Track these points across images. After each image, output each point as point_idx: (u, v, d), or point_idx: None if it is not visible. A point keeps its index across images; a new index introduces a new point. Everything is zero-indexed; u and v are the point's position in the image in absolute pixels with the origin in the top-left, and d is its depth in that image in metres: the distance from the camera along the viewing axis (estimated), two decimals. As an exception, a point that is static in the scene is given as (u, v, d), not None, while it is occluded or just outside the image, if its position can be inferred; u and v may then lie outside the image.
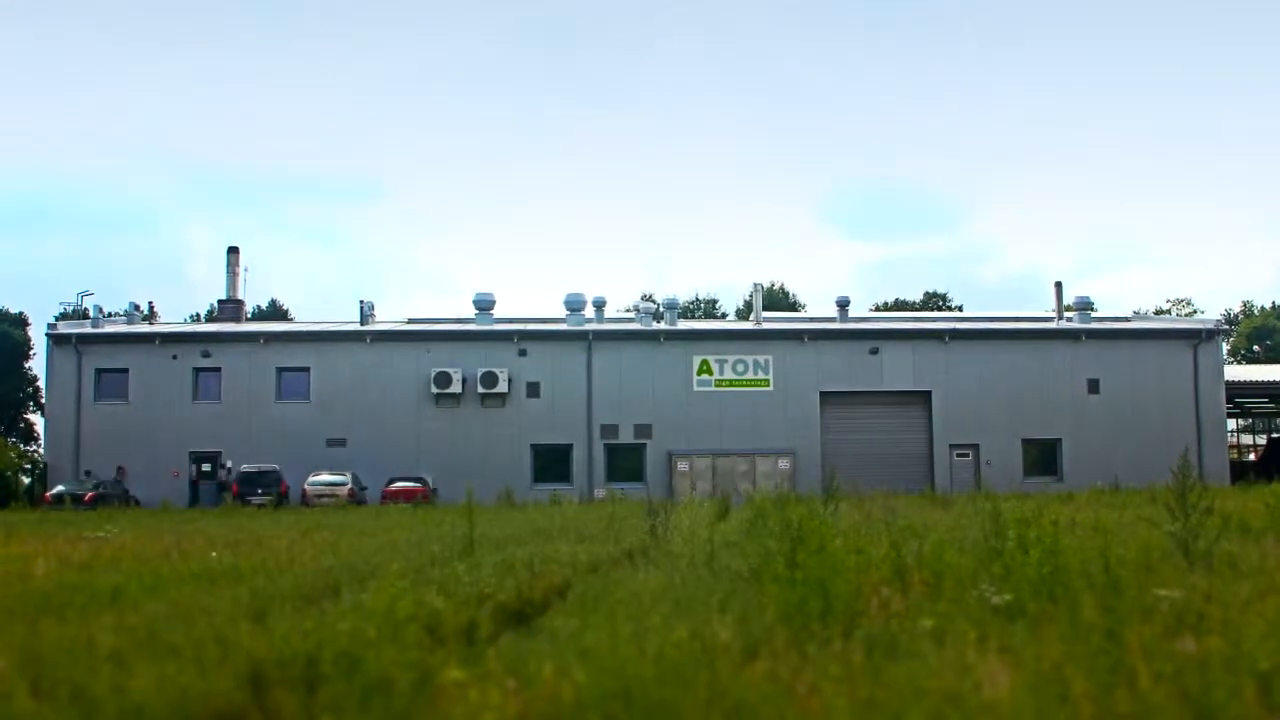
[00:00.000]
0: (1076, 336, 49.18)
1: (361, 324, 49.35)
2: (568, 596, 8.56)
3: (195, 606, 7.93)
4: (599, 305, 51.85)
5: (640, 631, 6.01)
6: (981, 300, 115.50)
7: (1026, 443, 47.90)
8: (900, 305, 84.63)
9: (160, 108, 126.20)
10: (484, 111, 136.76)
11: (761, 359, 47.71)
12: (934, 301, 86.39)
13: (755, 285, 54.47)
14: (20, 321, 64.06)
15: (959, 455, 47.64)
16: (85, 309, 51.94)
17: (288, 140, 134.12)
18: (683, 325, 52.19)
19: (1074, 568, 7.60)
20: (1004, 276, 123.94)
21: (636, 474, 46.28)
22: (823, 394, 47.41)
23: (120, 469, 44.60)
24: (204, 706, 4.77)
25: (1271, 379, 55.99)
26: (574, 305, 50.02)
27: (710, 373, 47.45)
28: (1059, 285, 54.84)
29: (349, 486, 40.99)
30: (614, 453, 47.10)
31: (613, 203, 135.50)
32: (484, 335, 47.87)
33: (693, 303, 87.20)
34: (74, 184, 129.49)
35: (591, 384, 46.99)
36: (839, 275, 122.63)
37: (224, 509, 35.79)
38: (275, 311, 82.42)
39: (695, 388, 47.36)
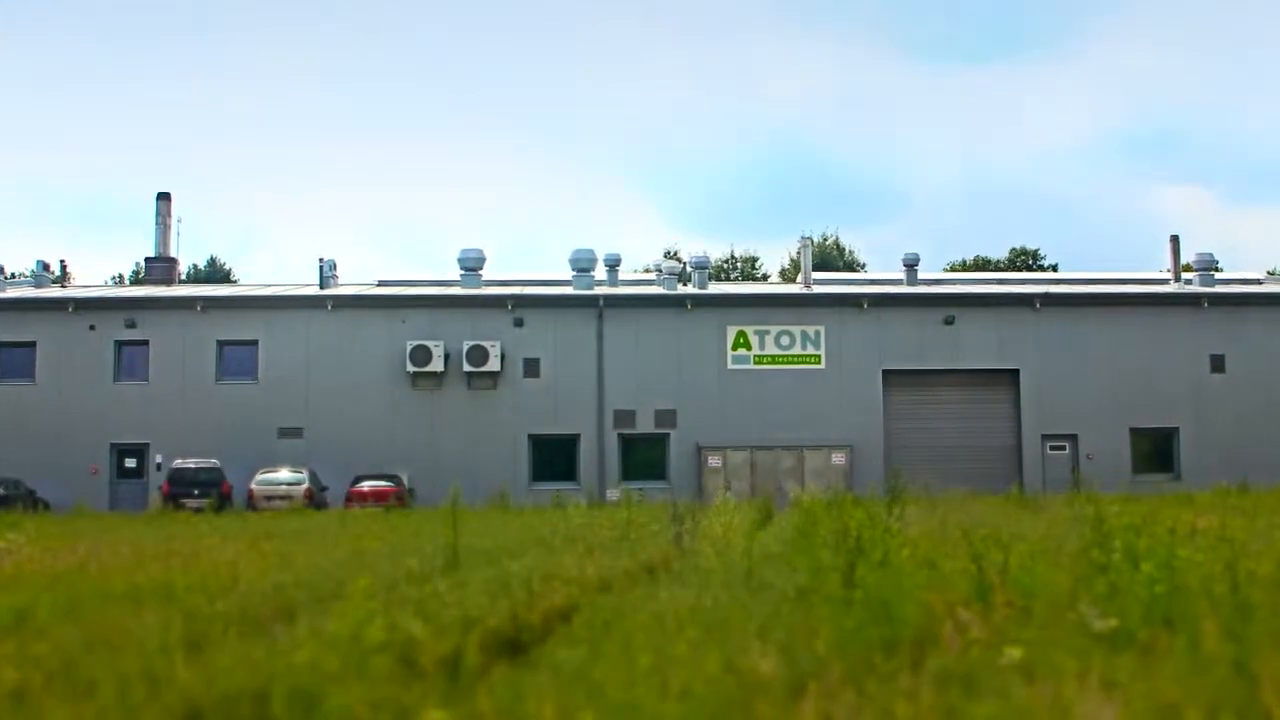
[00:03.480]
0: (1197, 303, 48.89)
1: (321, 287, 49.37)
2: (574, 621, 8.57)
3: (118, 633, 7.96)
4: (612, 264, 51.72)
5: (662, 664, 6.01)
6: (1080, 258, 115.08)
7: (1136, 433, 47.68)
8: (981, 264, 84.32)
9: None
10: (472, 27, 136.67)
11: (811, 330, 47.58)
12: (1022, 260, 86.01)
13: (803, 240, 54.35)
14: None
15: (1053, 448, 47.49)
16: (-17, 269, 52.13)
17: (235, 76, 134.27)
18: (714, 289, 52.06)
19: (1194, 586, 7.58)
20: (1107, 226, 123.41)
21: (658, 471, 46.27)
22: (886, 373, 47.27)
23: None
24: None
25: None
26: (581, 264, 49.91)
27: (748, 347, 47.36)
28: (1175, 240, 54.61)
29: (306, 486, 41.06)
30: (630, 445, 47.08)
31: (623, 141, 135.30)
32: (471, 301, 47.83)
33: (727, 261, 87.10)
34: None
35: (603, 361, 46.95)
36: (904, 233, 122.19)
37: (153, 513, 35.88)
38: (215, 272, 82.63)
39: (730, 365, 47.26)
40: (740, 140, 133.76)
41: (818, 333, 47.51)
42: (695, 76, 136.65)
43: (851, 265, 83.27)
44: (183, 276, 62.95)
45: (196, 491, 40.13)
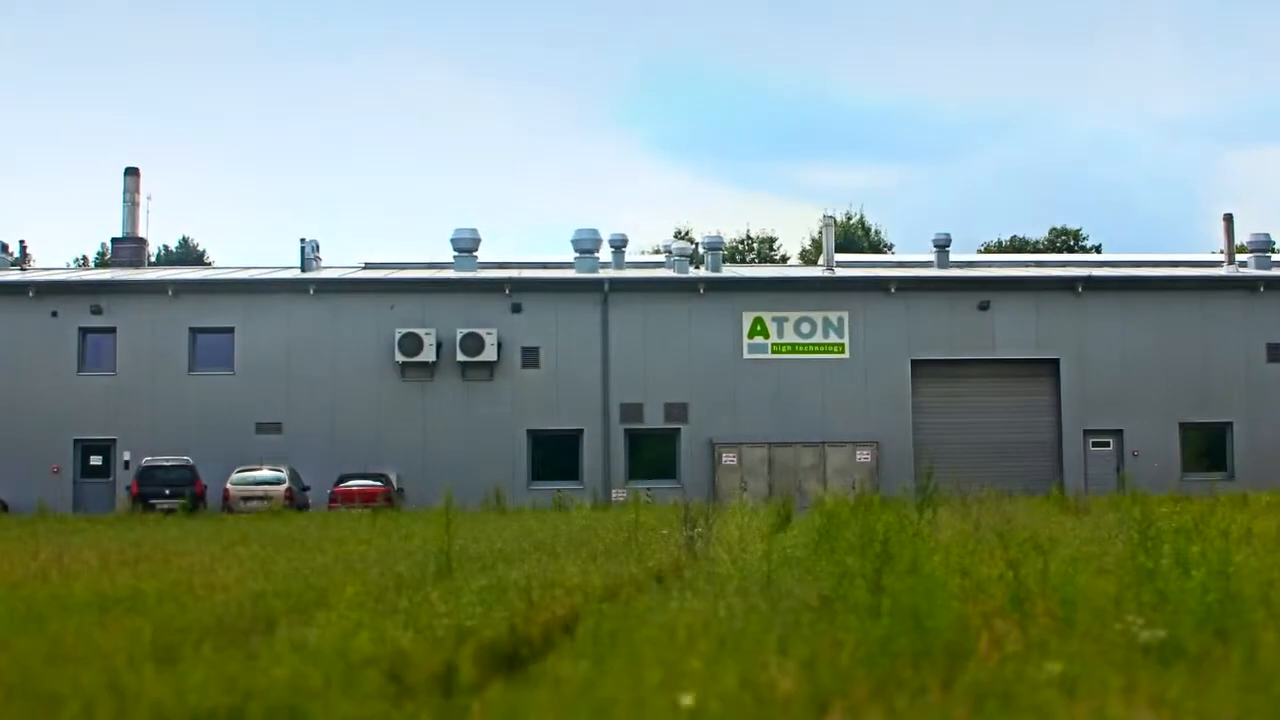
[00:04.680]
0: (1253, 286, 48.78)
1: (302, 270, 49.34)
2: (576, 632, 8.58)
3: (83, 645, 7.97)
4: (618, 245, 51.66)
5: (673, 679, 6.01)
6: (1126, 238, 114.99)
7: (1186, 428, 47.62)
8: (1018, 245, 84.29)
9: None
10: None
11: (834, 317, 47.52)
12: (1062, 240, 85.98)
13: (826, 218, 54.28)
14: None
15: (1096, 444, 47.44)
16: (-63, 251, 52.16)
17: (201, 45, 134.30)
18: (729, 271, 52.05)
19: (1250, 594, 7.57)
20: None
21: (667, 469, 46.29)
22: (915, 363, 47.22)
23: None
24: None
25: None
26: (585, 245, 49.84)
27: (766, 335, 47.33)
28: (1229, 218, 54.45)
29: (286, 486, 41.12)
30: (637, 441, 47.08)
31: (632, 109, 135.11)
32: (465, 285, 47.81)
33: (742, 242, 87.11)
34: None
35: (608, 350, 46.91)
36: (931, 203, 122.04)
37: (121, 515, 35.91)
38: (188, 254, 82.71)
39: (746, 355, 47.22)
40: (751, 99, 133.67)
41: (841, 319, 47.43)
42: (696, 41, 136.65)
43: (878, 246, 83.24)
44: (152, 259, 62.97)
45: (168, 492, 40.08)
